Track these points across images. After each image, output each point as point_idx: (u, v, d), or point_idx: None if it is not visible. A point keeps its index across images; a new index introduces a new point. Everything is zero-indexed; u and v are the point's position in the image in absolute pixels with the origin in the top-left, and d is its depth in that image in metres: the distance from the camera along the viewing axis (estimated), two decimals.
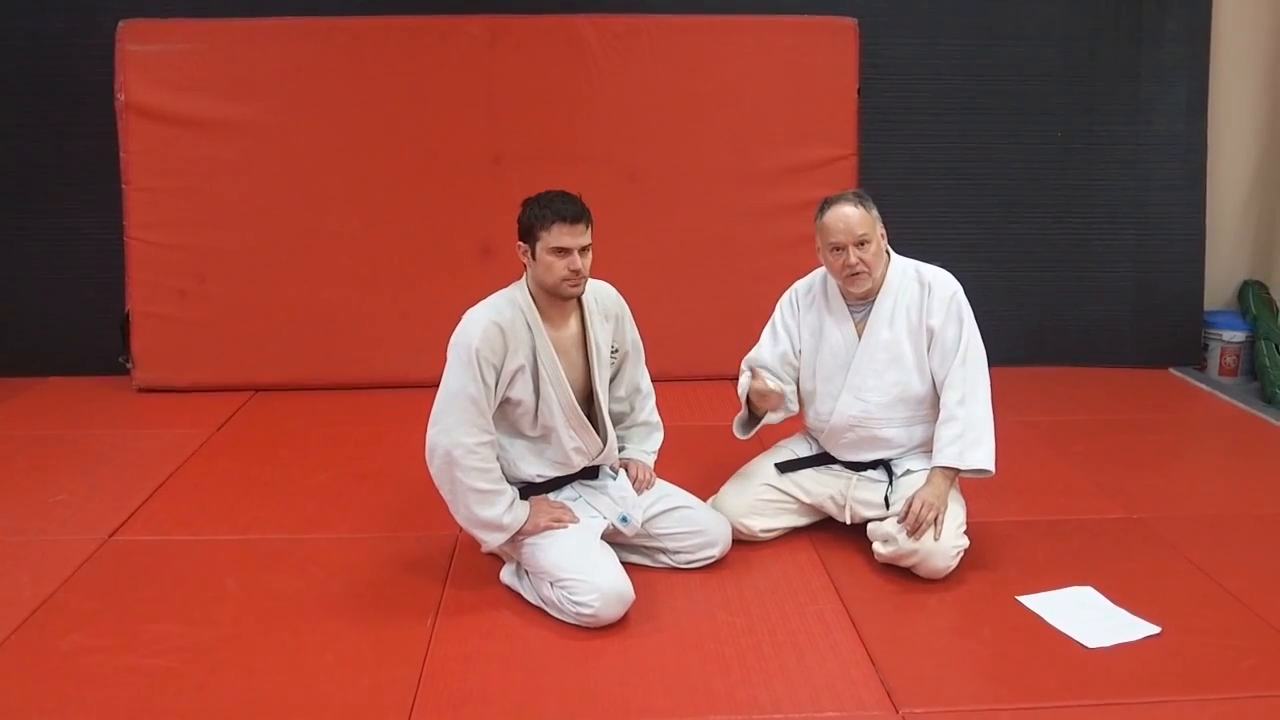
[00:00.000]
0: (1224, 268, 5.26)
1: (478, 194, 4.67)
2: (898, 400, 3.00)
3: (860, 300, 3.00)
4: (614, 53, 4.71)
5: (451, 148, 4.70)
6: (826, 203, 2.95)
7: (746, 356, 3.19)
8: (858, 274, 2.91)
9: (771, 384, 2.96)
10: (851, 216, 2.88)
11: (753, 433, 3.17)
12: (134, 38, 4.54)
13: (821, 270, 3.09)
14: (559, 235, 2.66)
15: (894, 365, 2.99)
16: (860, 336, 3.01)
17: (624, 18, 4.71)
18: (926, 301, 2.97)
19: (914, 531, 2.81)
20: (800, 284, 3.17)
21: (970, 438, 2.90)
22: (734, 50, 4.74)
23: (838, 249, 2.90)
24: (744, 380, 3.11)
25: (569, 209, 2.67)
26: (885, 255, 2.99)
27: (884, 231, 2.97)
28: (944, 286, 2.98)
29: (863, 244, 2.88)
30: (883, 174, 4.81)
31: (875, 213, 2.94)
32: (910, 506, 2.84)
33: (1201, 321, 5.15)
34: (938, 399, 2.99)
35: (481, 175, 4.70)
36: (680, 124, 4.75)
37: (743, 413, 3.16)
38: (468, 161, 4.71)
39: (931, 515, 2.82)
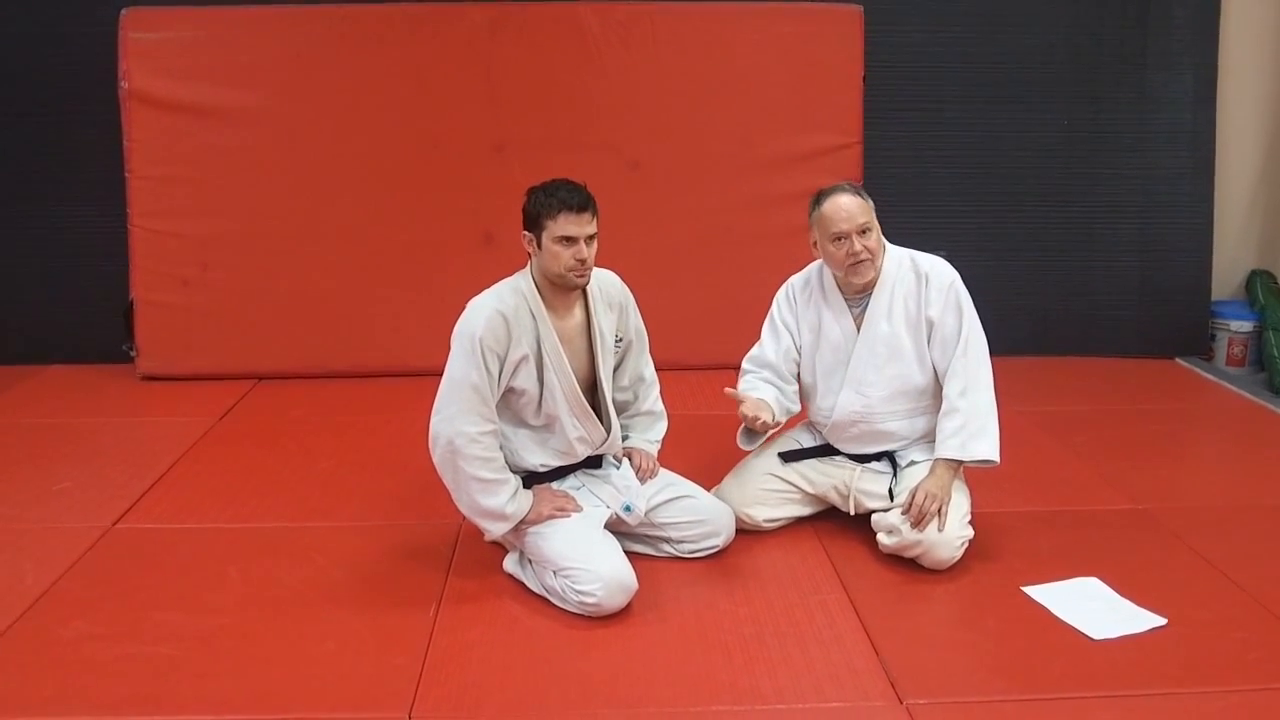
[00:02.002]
0: (1231, 257, 5.23)
1: (480, 182, 4.66)
2: (899, 393, 2.98)
3: (858, 293, 2.97)
4: (616, 40, 4.68)
5: (453, 136, 4.69)
6: (822, 194, 2.92)
7: (748, 355, 3.17)
8: (861, 262, 2.88)
9: (751, 409, 2.86)
10: (852, 205, 2.86)
11: (757, 444, 3.10)
12: (137, 25, 4.53)
13: (816, 264, 3.06)
14: (565, 224, 2.64)
15: (894, 358, 2.96)
16: (859, 330, 2.99)
17: (626, 5, 4.69)
18: (924, 292, 2.94)
19: (917, 523, 2.80)
20: (796, 279, 3.14)
21: (972, 429, 2.88)
22: (738, 37, 4.72)
23: (840, 238, 2.86)
24: (744, 384, 3.10)
25: (575, 198, 2.65)
26: (882, 245, 2.96)
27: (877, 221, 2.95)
28: (941, 276, 2.95)
29: (865, 232, 2.86)
30: (887, 162, 4.80)
31: (870, 202, 2.91)
32: (913, 498, 2.83)
33: (1209, 311, 5.13)
34: (940, 390, 2.97)
35: (483, 163, 4.68)
36: (683, 112, 4.73)
37: (743, 425, 3.13)
38: (470, 149, 4.70)
39: (934, 506, 2.80)
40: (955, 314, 2.93)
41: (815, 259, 3.04)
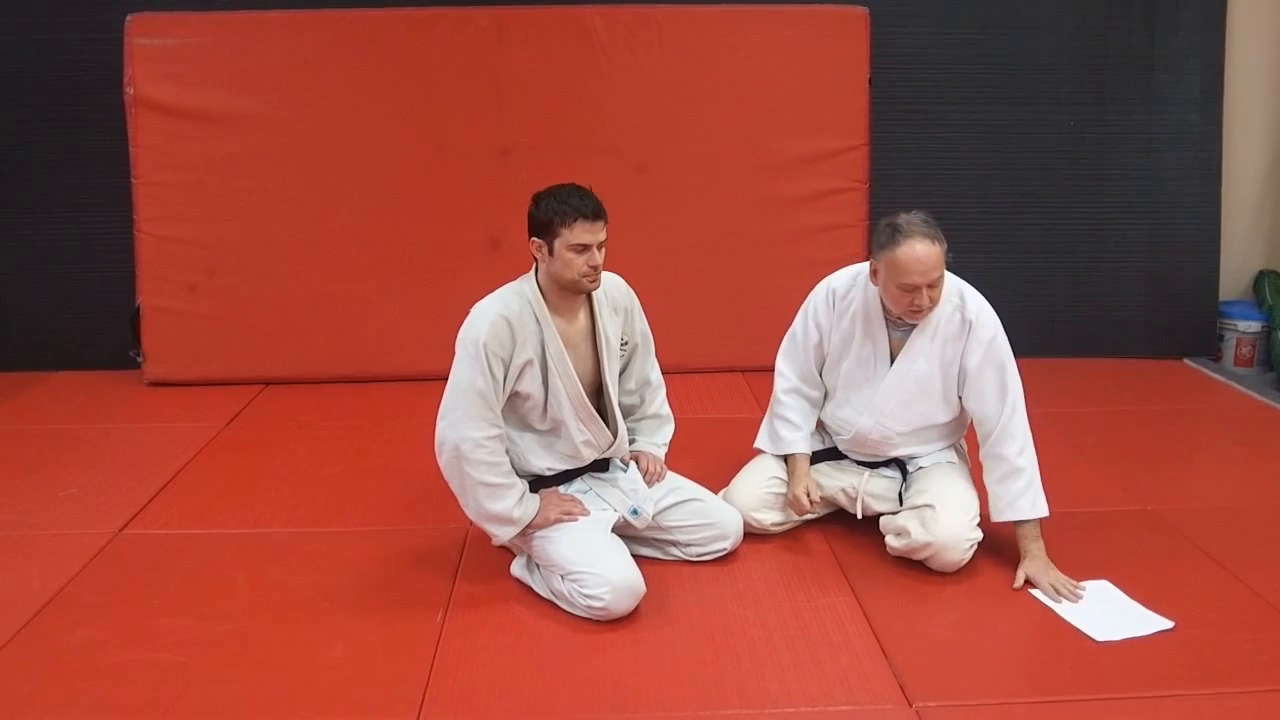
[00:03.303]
0: (1239, 257, 5.22)
1: (486, 186, 4.66)
2: (921, 427, 2.98)
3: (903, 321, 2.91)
4: (622, 44, 4.69)
5: (460, 140, 4.69)
6: (898, 231, 2.74)
7: (782, 349, 3.16)
8: (923, 310, 2.80)
9: (807, 499, 2.99)
10: (929, 258, 2.71)
11: (774, 448, 3.15)
12: (143, 31, 4.54)
13: (863, 271, 2.95)
14: (580, 233, 2.63)
15: (923, 395, 2.93)
16: (893, 360, 2.94)
17: (632, 8, 4.69)
18: (967, 341, 2.86)
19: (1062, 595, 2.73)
20: (839, 281, 3.03)
21: (1037, 485, 2.86)
22: (744, 40, 4.71)
23: (909, 289, 2.74)
24: (779, 384, 3.14)
25: (589, 205, 2.64)
26: None
27: None
28: (985, 328, 2.86)
29: (935, 284, 2.77)
30: (894, 164, 4.80)
31: (943, 243, 2.76)
32: (1042, 586, 2.76)
33: (1217, 312, 5.12)
34: (960, 421, 3.00)
35: (490, 167, 4.69)
36: (689, 115, 4.73)
37: (768, 443, 3.16)
38: (476, 154, 4.70)
39: (1054, 581, 2.75)
40: (996, 370, 2.87)
41: (853, 265, 3.00)
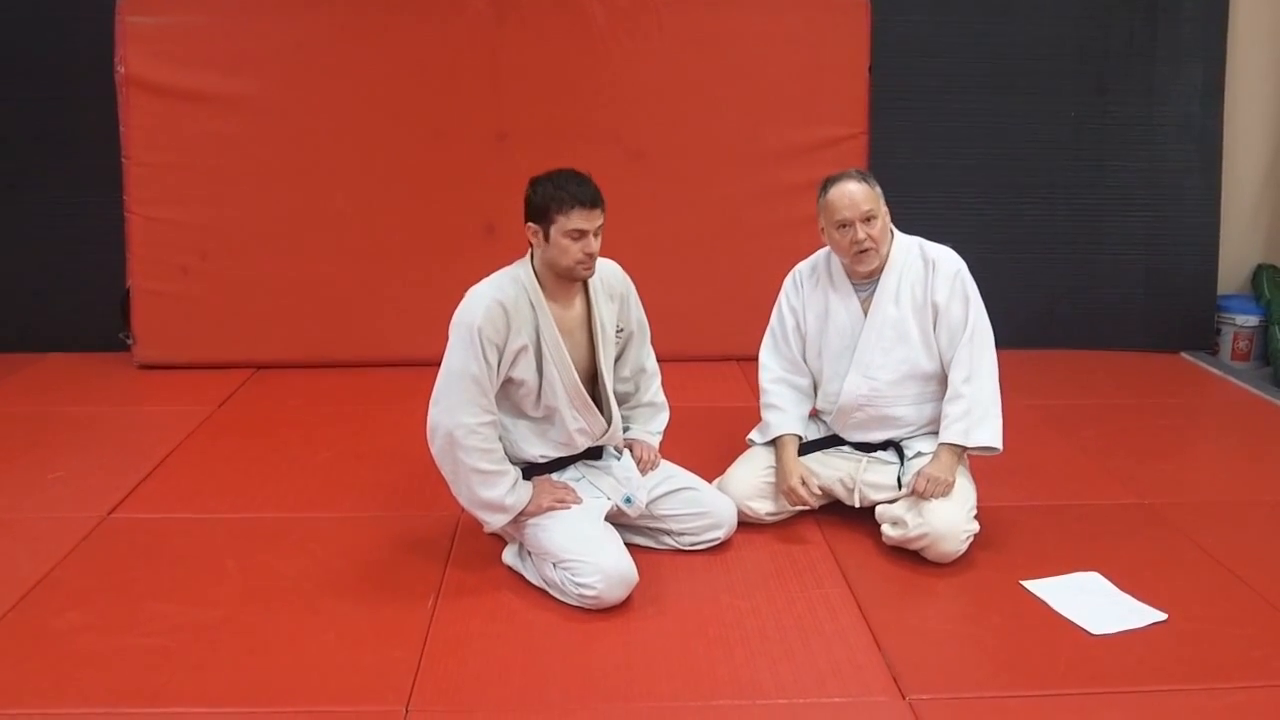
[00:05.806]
0: (1238, 251, 5.21)
1: (482, 171, 4.63)
2: (906, 377, 2.98)
3: (865, 278, 2.97)
4: (621, 29, 4.65)
5: (456, 124, 4.66)
6: (830, 181, 2.93)
7: (764, 344, 3.17)
8: (865, 251, 2.88)
9: (807, 492, 3.00)
10: (857, 193, 2.86)
11: (767, 439, 3.15)
12: (134, 9, 4.49)
13: (824, 250, 3.07)
14: (577, 219, 2.61)
15: (901, 342, 2.96)
16: (866, 314, 2.98)
17: None
18: (931, 279, 2.94)
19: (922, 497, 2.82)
20: (803, 266, 3.14)
21: (976, 415, 2.88)
22: (744, 27, 4.68)
23: (844, 226, 2.87)
24: (764, 377, 3.13)
25: (587, 193, 2.62)
26: (890, 232, 2.96)
27: (887, 209, 2.94)
28: (948, 264, 2.96)
29: (869, 220, 2.86)
30: (893, 153, 4.77)
31: (879, 189, 2.91)
32: (916, 486, 2.83)
33: (1214, 305, 5.11)
34: (947, 377, 2.97)
35: (486, 153, 4.65)
36: (688, 102, 4.70)
37: (756, 433, 3.17)
38: (472, 138, 4.66)
39: (937, 491, 2.82)
40: (961, 302, 2.92)
41: (824, 245, 3.02)
